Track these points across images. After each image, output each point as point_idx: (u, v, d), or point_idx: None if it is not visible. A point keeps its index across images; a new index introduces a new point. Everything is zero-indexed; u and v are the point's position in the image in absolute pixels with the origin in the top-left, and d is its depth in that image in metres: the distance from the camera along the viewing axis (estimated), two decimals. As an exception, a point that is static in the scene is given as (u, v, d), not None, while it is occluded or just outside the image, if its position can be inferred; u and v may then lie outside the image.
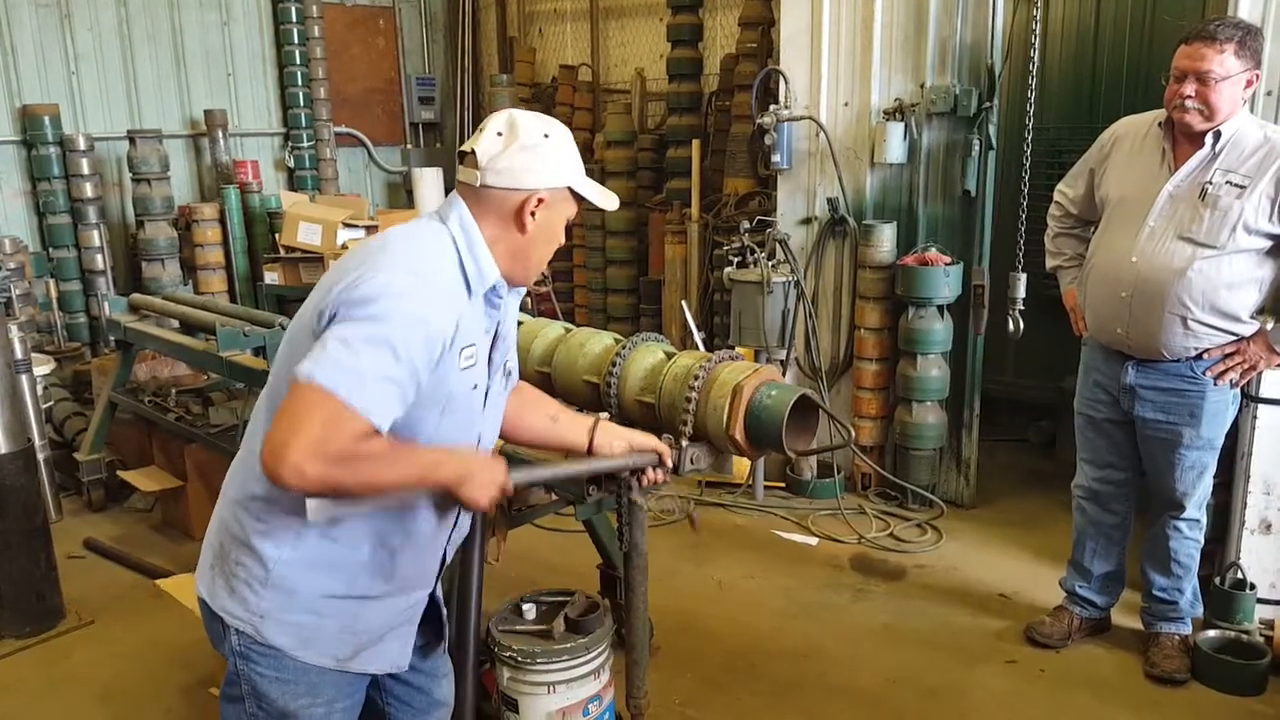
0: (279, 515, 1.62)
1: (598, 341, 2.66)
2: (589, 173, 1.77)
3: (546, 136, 1.65)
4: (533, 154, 1.63)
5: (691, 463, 2.24)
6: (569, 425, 2.04)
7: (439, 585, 1.89)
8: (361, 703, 1.82)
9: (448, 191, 6.00)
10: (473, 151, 1.64)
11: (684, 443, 2.20)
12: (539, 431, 2.05)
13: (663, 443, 2.06)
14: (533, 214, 1.65)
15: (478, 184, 1.64)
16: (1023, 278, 3.97)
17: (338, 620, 1.69)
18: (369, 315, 1.49)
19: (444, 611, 1.94)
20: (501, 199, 1.65)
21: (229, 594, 1.67)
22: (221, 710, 1.79)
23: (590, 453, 2.02)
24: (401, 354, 1.49)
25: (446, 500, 1.63)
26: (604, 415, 2.58)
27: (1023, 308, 3.98)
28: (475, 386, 1.70)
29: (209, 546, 1.75)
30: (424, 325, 1.53)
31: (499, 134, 1.64)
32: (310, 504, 1.53)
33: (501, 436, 2.04)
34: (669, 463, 2.06)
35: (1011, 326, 4.00)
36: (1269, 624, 3.24)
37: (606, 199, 1.75)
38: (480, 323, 1.70)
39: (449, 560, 1.88)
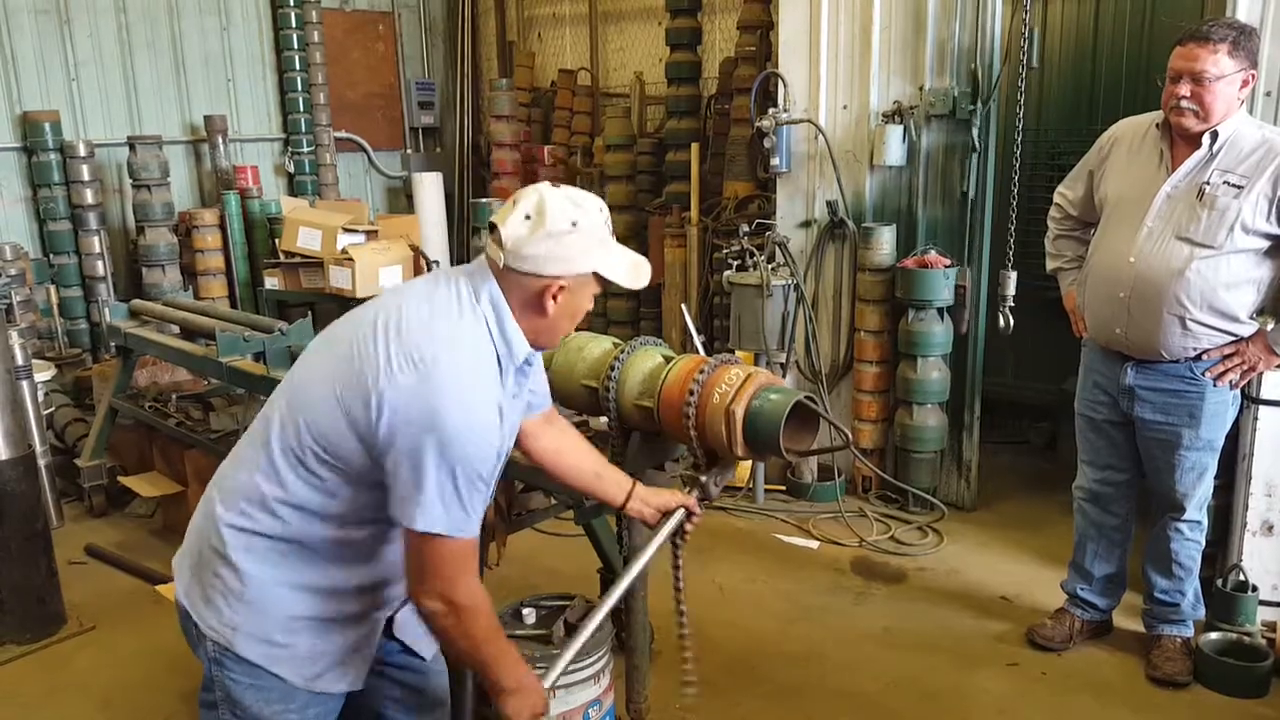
0: (261, 538, 1.65)
1: (596, 345, 2.66)
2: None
3: (574, 224, 1.62)
4: (557, 243, 1.61)
5: (715, 487, 2.28)
6: (610, 484, 2.15)
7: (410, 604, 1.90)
8: (337, 710, 1.83)
9: (447, 197, 5.98)
10: (500, 229, 1.64)
11: (703, 478, 2.23)
12: (582, 481, 2.15)
13: (687, 497, 2.16)
14: (554, 298, 1.66)
15: (501, 264, 1.64)
16: (1013, 275, 4.02)
17: (306, 640, 1.71)
18: (452, 457, 1.56)
19: (415, 628, 1.94)
20: (525, 283, 1.65)
21: (205, 603, 1.70)
22: (201, 716, 1.81)
23: (622, 510, 2.15)
24: (487, 477, 1.64)
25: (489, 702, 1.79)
26: (608, 423, 2.58)
27: (1013, 304, 4.03)
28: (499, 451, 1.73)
29: (189, 551, 1.77)
30: (493, 443, 1.63)
31: (527, 217, 1.62)
32: None
33: (542, 467, 2.13)
34: (698, 512, 2.16)
35: (1002, 323, 4.06)
36: (1271, 626, 3.23)
37: (636, 276, 1.71)
38: (511, 390, 1.73)
39: None
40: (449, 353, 1.60)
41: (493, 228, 1.66)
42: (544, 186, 1.67)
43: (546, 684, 1.83)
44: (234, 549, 1.66)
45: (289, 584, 1.67)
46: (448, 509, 1.58)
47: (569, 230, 1.62)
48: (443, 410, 1.55)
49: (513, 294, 1.66)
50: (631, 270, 1.71)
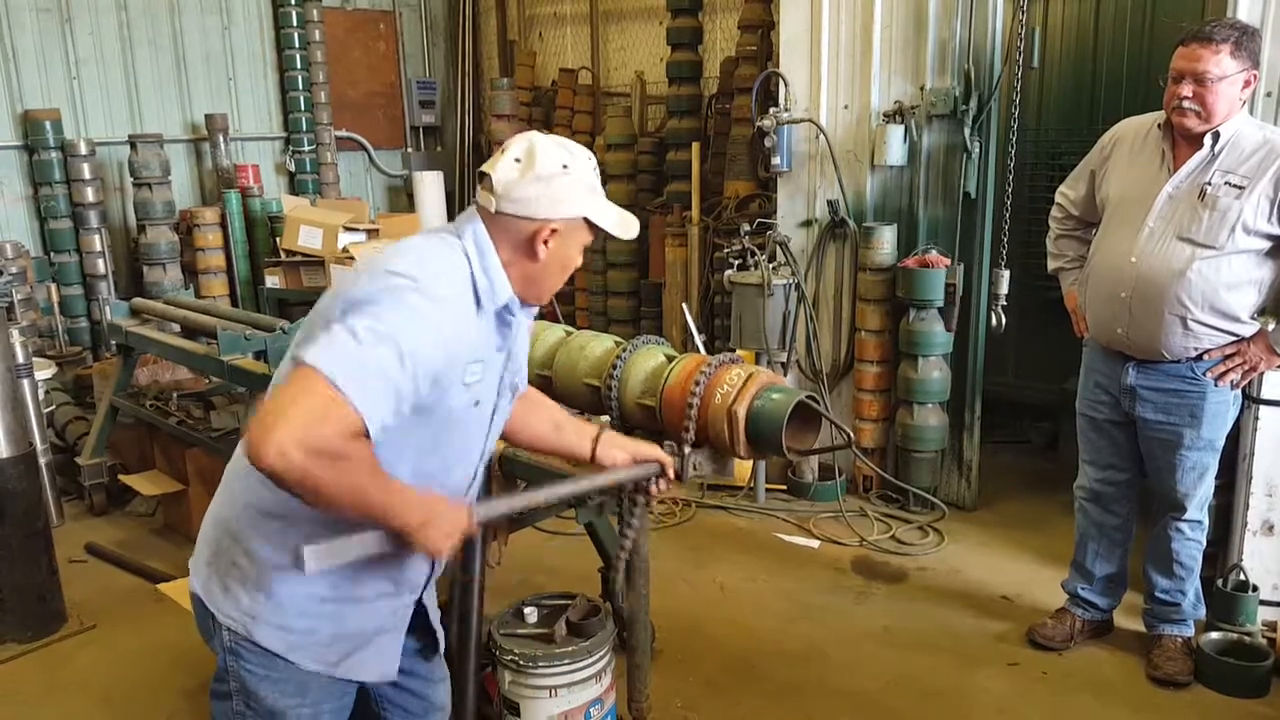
0: (281, 522, 1.64)
1: (599, 344, 2.67)
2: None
3: (565, 168, 1.63)
4: (548, 185, 1.62)
5: (695, 469, 2.24)
6: (573, 433, 2.05)
7: (428, 592, 1.90)
8: (350, 705, 1.83)
9: (448, 195, 5.99)
10: (490, 174, 1.63)
11: (687, 450, 2.19)
12: (542, 437, 2.06)
13: (665, 452, 2.06)
14: (545, 243, 1.65)
15: (493, 209, 1.64)
16: (1006, 274, 4.04)
17: (328, 624, 1.70)
18: (378, 314, 1.49)
19: (434, 617, 1.95)
20: (515, 226, 1.64)
21: (223, 592, 1.69)
22: (211, 707, 1.80)
23: (592, 462, 2.03)
24: (405, 357, 1.49)
25: (404, 545, 1.57)
26: (606, 420, 2.59)
27: (1005, 303, 4.06)
28: (478, 403, 1.70)
29: (205, 541, 1.75)
30: (431, 333, 1.53)
31: (517, 160, 1.62)
32: (308, 561, 1.51)
33: (504, 439, 2.03)
34: (671, 473, 2.05)
35: (994, 321, 4.08)
36: (1271, 626, 3.23)
37: (625, 227, 1.72)
38: (491, 339, 1.69)
39: (439, 569, 1.88)
40: (418, 251, 1.61)
41: (482, 176, 1.66)
42: (533, 133, 1.68)
43: (478, 516, 1.66)
44: (252, 534, 1.66)
45: None
46: (353, 362, 1.43)
47: (560, 173, 1.62)
48: (396, 277, 1.52)
49: (503, 239, 1.66)
50: (620, 221, 1.72)
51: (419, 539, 1.55)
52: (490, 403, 1.75)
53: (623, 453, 2.02)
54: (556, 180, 1.62)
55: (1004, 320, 4.07)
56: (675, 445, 2.18)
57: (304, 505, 1.57)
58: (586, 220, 1.67)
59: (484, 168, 1.67)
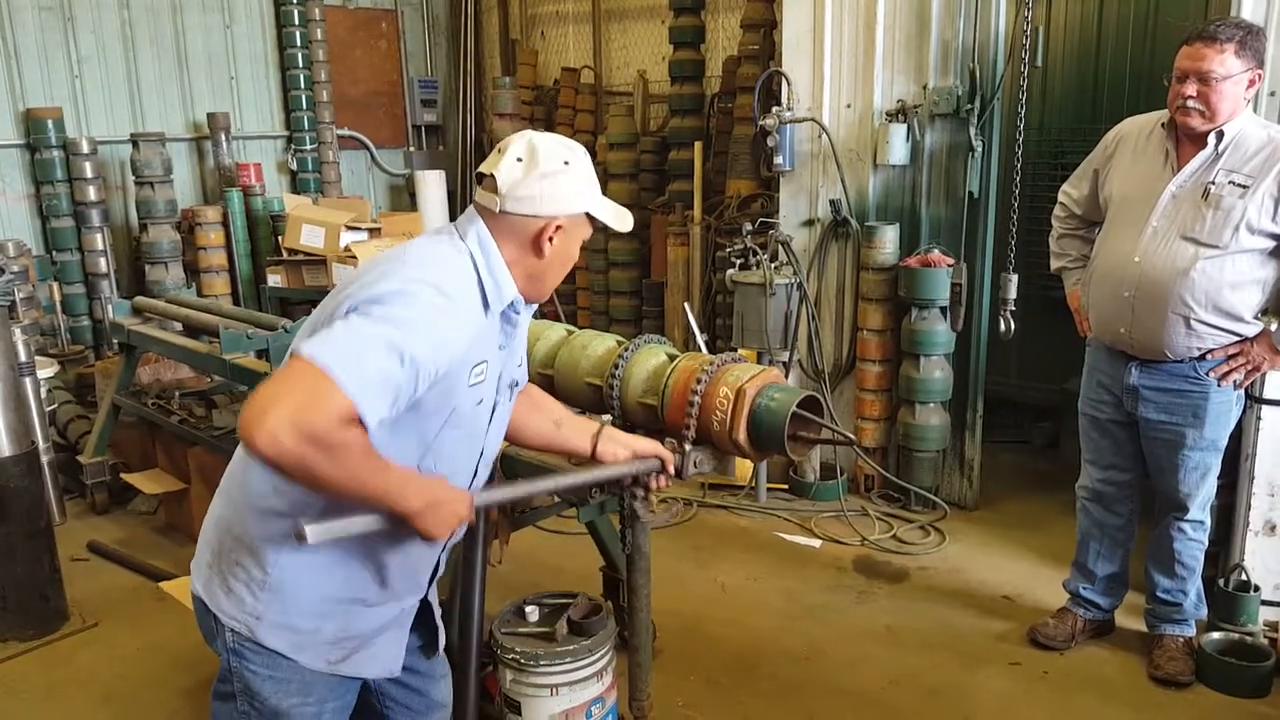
0: (287, 522, 1.63)
1: (600, 343, 2.66)
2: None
3: (566, 164, 1.66)
4: (552, 182, 1.64)
5: (695, 466, 2.24)
6: (572, 431, 2.06)
7: (433, 589, 1.90)
8: (353, 703, 1.83)
9: (450, 194, 5.99)
10: (492, 175, 1.64)
11: (687, 447, 2.19)
12: (543, 436, 2.07)
13: (665, 448, 2.07)
14: (550, 239, 1.67)
15: (497, 209, 1.65)
16: (1014, 279, 4.03)
17: (332, 624, 1.71)
18: (383, 315, 1.49)
19: (437, 614, 1.95)
20: (520, 225, 1.66)
21: (226, 593, 1.69)
22: (212, 708, 1.80)
23: (593, 458, 2.03)
24: (406, 360, 1.48)
25: (404, 527, 1.58)
26: (607, 419, 2.58)
27: (1014, 309, 4.05)
28: (481, 402, 1.71)
29: (206, 544, 1.76)
30: (434, 338, 1.52)
31: (519, 159, 1.64)
32: (309, 537, 1.51)
33: (508, 439, 2.04)
34: (671, 469, 2.07)
35: (1003, 327, 4.07)
36: (1273, 626, 3.23)
37: (621, 220, 1.77)
38: (495, 339, 1.71)
39: (442, 569, 1.89)
40: (424, 255, 1.62)
41: (481, 177, 1.68)
42: (529, 132, 1.70)
43: (478, 502, 1.69)
44: (256, 534, 1.66)
45: (311, 567, 1.66)
46: (352, 357, 1.42)
47: (562, 170, 1.65)
48: (402, 280, 1.52)
49: (508, 238, 1.67)
50: (617, 215, 1.76)
51: (419, 524, 1.56)
52: (491, 400, 1.76)
53: (623, 449, 2.04)
54: (559, 177, 1.64)
55: (1013, 326, 4.05)
56: (676, 443, 2.19)
57: (308, 496, 1.57)
58: (588, 215, 1.70)
59: (483, 168, 1.68)
